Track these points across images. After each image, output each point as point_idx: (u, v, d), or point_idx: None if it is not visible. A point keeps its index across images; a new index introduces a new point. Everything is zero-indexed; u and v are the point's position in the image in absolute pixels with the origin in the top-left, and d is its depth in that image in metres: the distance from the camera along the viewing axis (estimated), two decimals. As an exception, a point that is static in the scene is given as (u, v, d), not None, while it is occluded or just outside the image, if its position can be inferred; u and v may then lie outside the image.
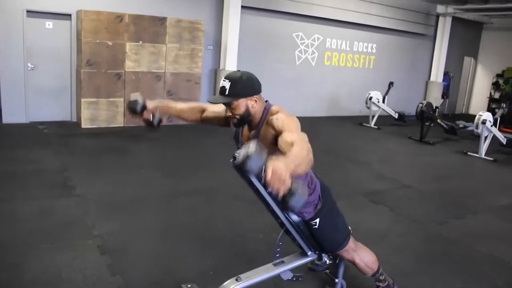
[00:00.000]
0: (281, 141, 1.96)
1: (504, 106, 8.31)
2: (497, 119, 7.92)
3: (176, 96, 7.65)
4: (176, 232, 3.62)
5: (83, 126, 6.94)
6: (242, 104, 2.12)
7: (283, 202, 1.80)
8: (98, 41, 6.73)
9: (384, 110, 10.00)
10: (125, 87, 7.11)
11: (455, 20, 11.92)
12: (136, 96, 2.43)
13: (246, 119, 2.16)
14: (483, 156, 7.48)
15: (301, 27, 9.77)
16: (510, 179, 6.52)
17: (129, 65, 7.08)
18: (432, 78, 12.39)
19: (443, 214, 4.59)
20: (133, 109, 2.39)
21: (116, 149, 5.97)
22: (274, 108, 2.18)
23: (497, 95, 12.82)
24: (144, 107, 2.40)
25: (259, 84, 2.18)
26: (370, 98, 9.69)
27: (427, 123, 8.48)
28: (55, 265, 2.91)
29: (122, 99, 7.13)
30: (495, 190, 5.79)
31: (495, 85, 13.09)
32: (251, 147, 1.79)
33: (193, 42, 7.63)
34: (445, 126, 8.80)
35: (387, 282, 2.75)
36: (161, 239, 3.48)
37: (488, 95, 13.15)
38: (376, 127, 9.61)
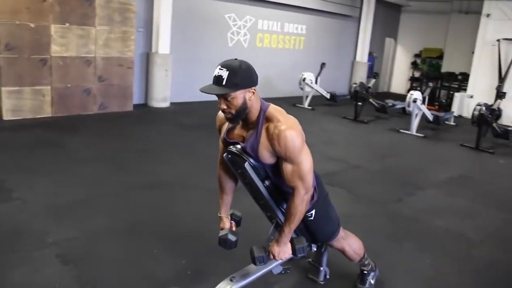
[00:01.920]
0: (287, 173, 2.02)
1: (431, 85, 8.80)
2: (425, 97, 8.38)
3: (108, 82, 7.13)
4: (141, 231, 3.36)
5: (4, 118, 6.23)
6: (240, 97, 1.93)
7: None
8: (18, 22, 6.01)
9: (317, 91, 10.17)
10: (52, 73, 6.47)
11: (378, 2, 12.36)
12: (224, 234, 2.32)
13: (242, 113, 1.97)
14: (414, 133, 7.89)
15: (233, 8, 9.55)
16: (442, 154, 6.94)
17: (56, 50, 6.43)
18: (357, 58, 12.81)
19: (396, 192, 4.76)
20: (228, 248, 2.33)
21: (50, 143, 5.42)
22: (272, 110, 2.02)
23: (416, 75, 13.59)
24: (236, 243, 2.31)
25: (257, 75, 2.00)
26: (304, 79, 9.81)
27: (360, 103, 8.76)
28: (12, 283, 2.54)
29: (49, 87, 6.49)
30: (432, 165, 6.13)
31: (414, 65, 13.88)
32: (255, 251, 2.14)
33: (124, 24, 7.12)
34: (376, 105, 9.15)
35: (370, 266, 2.76)
36: (127, 239, 3.21)
37: (411, 75, 13.89)
38: (310, 107, 9.76)
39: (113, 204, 3.82)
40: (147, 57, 8.13)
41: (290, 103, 9.97)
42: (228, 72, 1.89)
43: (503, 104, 8.50)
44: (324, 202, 2.34)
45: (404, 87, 14.03)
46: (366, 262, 2.73)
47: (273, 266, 2.36)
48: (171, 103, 8.38)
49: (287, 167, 2.01)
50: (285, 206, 2.24)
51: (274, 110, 2.03)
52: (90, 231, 3.27)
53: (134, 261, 2.92)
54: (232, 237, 2.29)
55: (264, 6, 10.10)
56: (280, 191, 2.20)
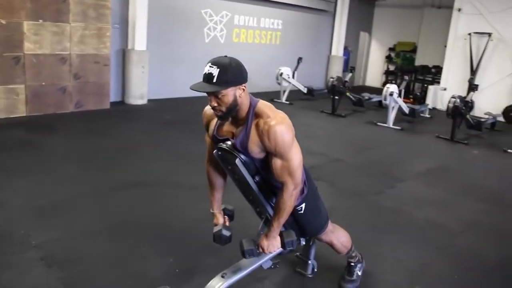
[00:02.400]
0: (277, 169, 2.02)
1: (407, 78, 8.95)
2: (401, 90, 8.52)
3: (84, 79, 6.99)
4: (126, 230, 3.32)
5: (-24, 118, 6.05)
6: (230, 94, 1.93)
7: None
8: (-12, 19, 5.83)
9: (294, 85, 10.22)
10: (25, 71, 6.29)
11: (352, -4, 12.49)
12: (218, 230, 2.31)
13: (233, 110, 1.97)
14: (391, 125, 8.03)
15: (209, 3, 9.48)
16: (419, 146, 7.10)
17: (29, 47, 6.25)
18: (333, 53, 12.91)
19: (377, 185, 4.84)
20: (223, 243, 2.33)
21: (26, 143, 5.28)
22: (261, 106, 2.03)
23: (391, 68, 13.78)
24: (230, 237, 2.31)
25: (246, 72, 2.00)
26: (281, 74, 9.82)
27: (337, 97, 8.84)
28: (-3, 287, 2.49)
29: (22, 86, 6.32)
30: (410, 157, 6.25)
31: (388, 58, 14.08)
32: (245, 245, 2.16)
33: (100, 20, 6.98)
34: (353, 98, 9.26)
35: (357, 258, 2.81)
36: (112, 239, 3.17)
37: (386, 68, 14.08)
38: (288, 102, 9.79)
39: (96, 204, 3.76)
40: (123, 54, 8.00)
41: (268, 98, 9.69)
42: (218, 69, 1.88)
43: (475, 96, 8.74)
44: (313, 196, 2.36)
45: (379, 81, 14.23)
46: (353, 254, 2.77)
47: (263, 260, 2.38)
48: (149, 100, 8.28)
49: (277, 163, 2.02)
50: (274, 201, 2.25)
51: (263, 105, 2.04)
52: (74, 232, 3.21)
53: (121, 261, 2.88)
54: (226, 233, 2.29)
55: (240, 1, 10.06)
56: (270, 185, 2.22)
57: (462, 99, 7.26)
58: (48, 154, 4.98)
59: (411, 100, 10.49)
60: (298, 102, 9.97)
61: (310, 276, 2.85)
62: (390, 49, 14.05)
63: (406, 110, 8.45)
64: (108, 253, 2.97)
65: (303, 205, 2.29)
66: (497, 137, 7.95)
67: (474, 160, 6.44)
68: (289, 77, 9.94)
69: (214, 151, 2.14)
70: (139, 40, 7.85)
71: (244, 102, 1.99)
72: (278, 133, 1.94)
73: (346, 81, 9.13)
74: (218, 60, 1.92)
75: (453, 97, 7.18)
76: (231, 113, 1.98)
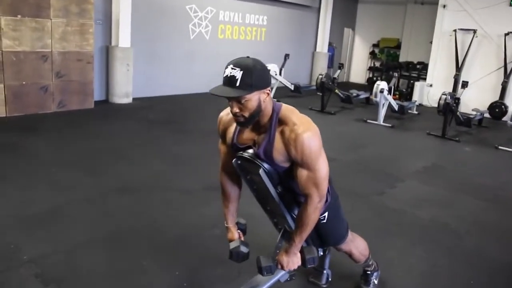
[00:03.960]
0: (301, 180, 1.86)
1: (396, 75, 8.90)
2: (391, 87, 8.47)
3: (67, 78, 6.68)
4: (122, 240, 3.12)
5: (-48, 119, 5.70)
6: (255, 99, 1.74)
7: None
8: (-37, 15, 5.49)
9: (281, 82, 10.09)
10: (4, 70, 5.96)
11: (336, -8, 12.41)
12: (236, 246, 2.12)
13: (256, 116, 1.79)
14: (381, 123, 7.97)
15: (194, -1, 9.26)
16: (412, 143, 7.05)
17: (7, 44, 5.92)
18: (318, 49, 12.82)
19: (377, 185, 4.73)
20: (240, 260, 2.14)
21: (8, 146, 4.99)
22: (285, 111, 1.86)
23: (377, 64, 13.76)
24: (248, 255, 2.13)
25: (270, 74, 1.82)
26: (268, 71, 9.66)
27: (325, 94, 8.74)
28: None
29: (1, 85, 5.99)
30: (404, 155, 6.20)
31: (372, 55, 14.08)
32: (263, 261, 1.98)
33: (82, 16, 6.68)
34: (342, 95, 9.17)
35: (373, 266, 2.69)
36: (110, 251, 2.96)
37: (370, 64, 14.07)
38: (275, 100, 9.52)
39: (88, 212, 3.53)
40: (107, 51, 7.70)
41: None
42: (242, 72, 1.69)
43: (460, 93, 8.76)
44: (335, 203, 2.23)
45: (363, 77, 14.22)
46: (370, 263, 2.66)
47: (280, 275, 2.23)
48: (134, 99, 8.02)
49: (302, 173, 1.85)
50: (296, 212, 2.10)
51: (287, 110, 1.87)
52: (68, 244, 2.99)
53: (123, 275, 2.69)
54: (244, 249, 2.11)
55: (225, -4, 9.86)
56: (293, 195, 2.06)
57: (453, 95, 7.25)
58: (30, 157, 4.70)
59: (397, 96, 10.48)
60: (285, 99, 9.81)
61: (324, 286, 2.71)
62: (374, 45, 14.05)
63: (396, 107, 8.41)
64: (108, 267, 2.77)
65: (326, 214, 2.14)
66: (486, 133, 7.98)
67: (467, 157, 6.42)
68: (276, 74, 9.80)
69: (234, 160, 1.96)
70: (123, 37, 7.57)
71: (268, 107, 1.83)
72: (306, 142, 1.78)
73: (335, 78, 9.03)
74: (240, 61, 1.73)
75: (443, 93, 7.15)
76: (253, 119, 1.80)
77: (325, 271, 2.70)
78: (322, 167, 1.85)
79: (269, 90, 1.81)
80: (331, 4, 12.37)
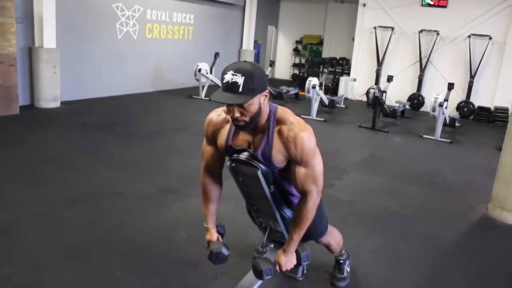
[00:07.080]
0: (300, 177, 1.92)
1: (326, 71, 9.28)
2: (322, 83, 8.82)
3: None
4: (89, 253, 2.97)
5: None
6: (256, 102, 1.78)
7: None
8: None
9: (212, 81, 10.07)
10: None
11: (260, -10, 12.63)
12: (218, 247, 2.11)
13: (256, 119, 1.82)
14: (314, 117, 8.28)
15: (120, -4, 8.92)
16: (346, 136, 7.43)
17: None
18: (244, 47, 12.97)
19: (325, 178, 4.91)
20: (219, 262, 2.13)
21: None
22: (282, 112, 1.92)
23: (299, 61, 14.23)
24: (228, 257, 2.13)
25: (266, 75, 1.86)
26: (199, 70, 9.62)
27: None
28: None
29: None
30: (343, 148, 6.50)
31: (296, 51, 14.52)
32: (262, 265, 1.99)
33: (1, 14, 6.17)
34: (273, 92, 9.39)
35: (345, 255, 2.84)
36: (77, 266, 2.80)
37: (294, 61, 14.49)
38: (207, 98, 9.62)
39: (43, 227, 3.31)
40: (30, 52, 7.18)
41: (186, 95, 9.73)
42: (243, 77, 1.70)
43: (382, 86, 9.37)
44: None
45: (288, 73, 14.63)
46: (342, 252, 2.79)
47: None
48: (62, 102, 7.56)
49: (300, 171, 1.92)
50: (285, 210, 2.16)
51: (284, 111, 1.93)
52: (30, 263, 2.78)
53: (99, 289, 2.58)
54: (225, 252, 2.11)
55: (152, -6, 9.62)
56: (283, 194, 2.12)
57: (380, 89, 7.73)
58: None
59: (323, 91, 10.92)
60: (218, 97, 9.81)
61: (300, 279, 2.80)
62: (297, 42, 14.50)
63: (326, 101, 8.78)
64: (81, 282, 2.63)
65: (313, 210, 2.22)
66: (409, 123, 8.62)
67: (398, 146, 6.91)
68: (207, 73, 9.77)
69: (228, 163, 1.97)
70: (48, 37, 7.11)
71: (266, 108, 1.87)
72: (305, 140, 1.85)
73: (267, 75, 9.19)
74: (240, 66, 1.74)
75: (372, 88, 7.61)
76: (254, 122, 1.83)
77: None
78: (319, 164, 1.95)
79: (267, 92, 1.85)
80: (255, 2, 12.56)
